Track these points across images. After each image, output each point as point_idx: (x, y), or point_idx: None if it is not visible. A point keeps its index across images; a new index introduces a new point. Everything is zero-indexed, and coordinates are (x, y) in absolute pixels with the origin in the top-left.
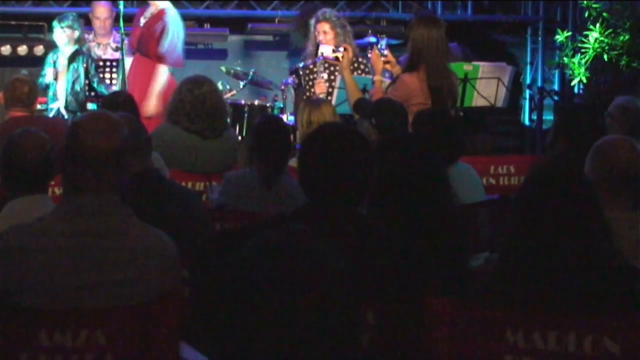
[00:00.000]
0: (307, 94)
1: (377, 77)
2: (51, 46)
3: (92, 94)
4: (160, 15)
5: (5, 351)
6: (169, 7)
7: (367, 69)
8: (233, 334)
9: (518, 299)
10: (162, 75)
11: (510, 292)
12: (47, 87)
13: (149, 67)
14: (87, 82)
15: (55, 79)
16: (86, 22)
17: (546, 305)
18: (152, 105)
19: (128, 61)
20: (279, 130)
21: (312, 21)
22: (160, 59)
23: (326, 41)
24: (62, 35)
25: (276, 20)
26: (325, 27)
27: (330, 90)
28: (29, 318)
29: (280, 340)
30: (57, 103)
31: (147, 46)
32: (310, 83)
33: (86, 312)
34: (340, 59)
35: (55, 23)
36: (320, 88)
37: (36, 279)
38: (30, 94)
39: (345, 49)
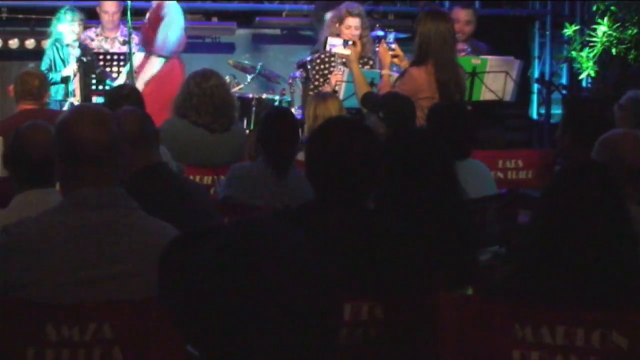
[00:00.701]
0: (316, 86)
1: (385, 71)
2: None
3: (100, 87)
4: (160, 6)
5: (12, 346)
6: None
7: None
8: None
9: (529, 295)
10: (154, 64)
11: (523, 287)
12: (64, 80)
13: (147, 58)
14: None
15: (73, 76)
16: (92, 16)
17: (556, 301)
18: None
19: (138, 55)
20: (287, 122)
21: (331, 14)
22: (156, 49)
23: (351, 36)
24: (73, 29)
25: (284, 14)
26: (355, 22)
27: (339, 83)
28: (35, 312)
29: (245, 339)
30: (73, 98)
31: (147, 40)
32: (320, 76)
33: (93, 306)
34: (349, 53)
35: (63, 16)
36: (335, 79)
37: (42, 273)
38: (40, 87)
39: (354, 43)
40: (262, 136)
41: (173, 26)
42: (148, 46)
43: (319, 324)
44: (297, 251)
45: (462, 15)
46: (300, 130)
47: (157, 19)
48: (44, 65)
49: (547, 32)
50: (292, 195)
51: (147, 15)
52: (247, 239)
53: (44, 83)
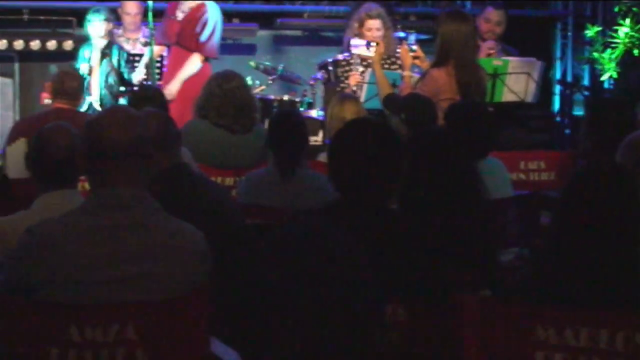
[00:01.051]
0: (342, 88)
1: (406, 73)
2: (80, 40)
3: (123, 88)
4: (200, 8)
5: (36, 347)
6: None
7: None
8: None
9: (550, 297)
10: (194, 63)
11: (544, 289)
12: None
13: (186, 56)
14: (119, 75)
15: (89, 73)
16: (116, 17)
17: (575, 303)
18: (174, 88)
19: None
20: (292, 124)
21: (352, 17)
22: (200, 49)
23: (373, 38)
24: (100, 27)
25: (305, 15)
26: (375, 24)
27: (360, 85)
28: (59, 313)
29: (298, 333)
30: (90, 97)
31: (187, 39)
32: (344, 77)
33: (117, 307)
34: (371, 54)
35: (92, 15)
36: (354, 79)
37: (65, 274)
38: (78, 89)
39: (377, 45)
40: (268, 139)
41: (218, 28)
42: (183, 41)
43: (365, 323)
44: (348, 250)
45: (493, 16)
46: (322, 132)
47: (198, 19)
48: (77, 65)
49: (569, 33)
50: (303, 196)
51: (181, 11)
52: (301, 235)
53: (82, 85)
